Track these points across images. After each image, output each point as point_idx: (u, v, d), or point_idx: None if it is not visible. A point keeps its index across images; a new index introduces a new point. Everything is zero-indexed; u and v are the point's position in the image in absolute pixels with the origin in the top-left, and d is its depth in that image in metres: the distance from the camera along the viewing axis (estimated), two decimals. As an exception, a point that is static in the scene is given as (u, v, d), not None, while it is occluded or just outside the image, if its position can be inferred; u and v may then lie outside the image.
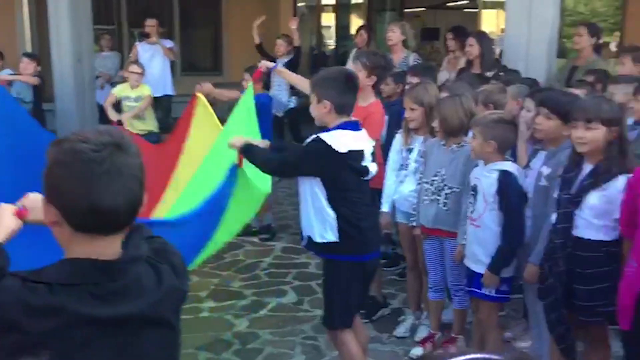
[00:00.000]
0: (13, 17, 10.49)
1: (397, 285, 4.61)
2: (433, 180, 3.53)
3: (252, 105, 3.64)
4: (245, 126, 3.50)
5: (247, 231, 5.23)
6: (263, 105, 4.76)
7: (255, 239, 5.59)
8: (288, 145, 3.29)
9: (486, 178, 3.17)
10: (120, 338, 1.32)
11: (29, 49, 10.11)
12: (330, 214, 2.87)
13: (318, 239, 2.92)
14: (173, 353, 1.48)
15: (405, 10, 12.05)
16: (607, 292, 2.68)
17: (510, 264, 3.17)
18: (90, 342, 1.29)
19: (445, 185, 3.47)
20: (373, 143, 3.07)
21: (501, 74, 4.86)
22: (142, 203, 1.34)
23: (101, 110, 7.40)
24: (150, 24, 8.11)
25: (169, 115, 8.45)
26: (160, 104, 8.28)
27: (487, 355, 0.90)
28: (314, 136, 2.86)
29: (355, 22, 10.12)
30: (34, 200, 1.55)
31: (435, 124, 3.53)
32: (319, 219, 2.90)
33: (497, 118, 3.22)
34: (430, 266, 3.70)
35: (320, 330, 3.99)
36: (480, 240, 3.20)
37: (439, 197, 3.49)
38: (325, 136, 2.81)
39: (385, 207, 3.93)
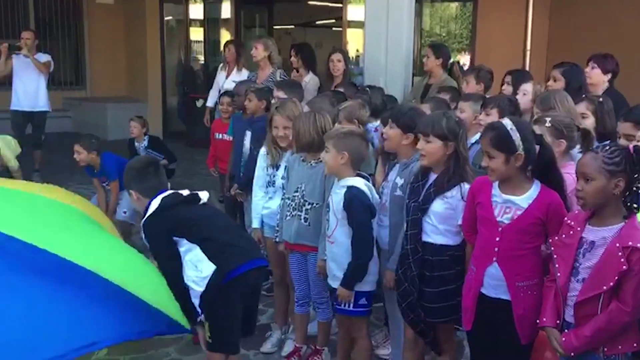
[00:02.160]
0: None
1: (264, 300, 4.59)
2: (294, 196, 3.57)
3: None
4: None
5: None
6: None
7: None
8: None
9: (336, 195, 3.26)
10: None
11: None
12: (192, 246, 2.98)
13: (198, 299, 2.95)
14: None
15: (275, 27, 12.19)
16: (452, 294, 2.86)
17: (364, 278, 3.23)
18: None
19: (305, 200, 3.53)
20: None
21: (367, 89, 5.05)
22: None
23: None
24: (25, 36, 7.58)
25: (42, 131, 8.01)
26: (34, 120, 7.84)
27: None
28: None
29: (225, 37, 10.07)
30: None
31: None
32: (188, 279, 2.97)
33: (348, 131, 3.34)
34: (295, 280, 3.74)
35: (185, 352, 3.89)
36: (334, 255, 3.29)
37: (300, 213, 3.54)
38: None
39: (255, 224, 3.96)
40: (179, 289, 2.89)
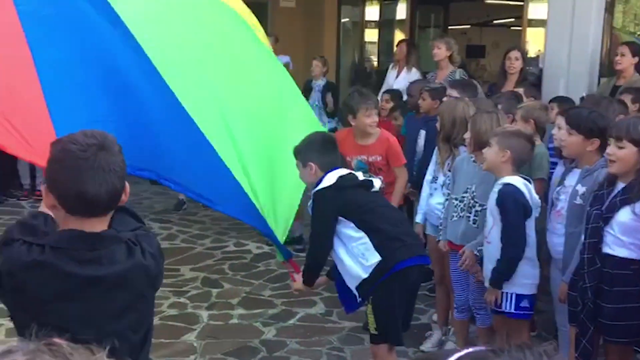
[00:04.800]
0: None
1: (427, 300, 4.58)
2: (463, 197, 3.52)
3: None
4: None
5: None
6: None
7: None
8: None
9: (493, 193, 3.17)
10: (91, 294, 1.67)
11: None
12: (360, 235, 3.01)
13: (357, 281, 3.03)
14: (141, 318, 1.80)
15: (450, 27, 12.02)
16: (634, 312, 2.63)
17: (520, 280, 3.12)
18: (67, 294, 1.64)
19: (476, 202, 3.46)
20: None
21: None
22: (121, 193, 1.68)
23: None
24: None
25: None
26: None
27: (478, 349, 0.89)
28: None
29: (399, 38, 10.14)
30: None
31: (467, 137, 3.53)
32: (353, 260, 3.03)
33: (516, 130, 3.23)
34: (455, 284, 3.69)
35: (346, 342, 4.01)
36: (490, 255, 3.21)
37: (469, 214, 3.48)
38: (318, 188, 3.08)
39: (418, 218, 3.99)
40: (319, 263, 3.15)
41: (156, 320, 3.05)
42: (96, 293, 1.66)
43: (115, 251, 1.68)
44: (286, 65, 8.00)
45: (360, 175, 3.19)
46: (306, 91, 5.94)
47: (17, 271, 1.62)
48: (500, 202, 3.09)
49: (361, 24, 11.19)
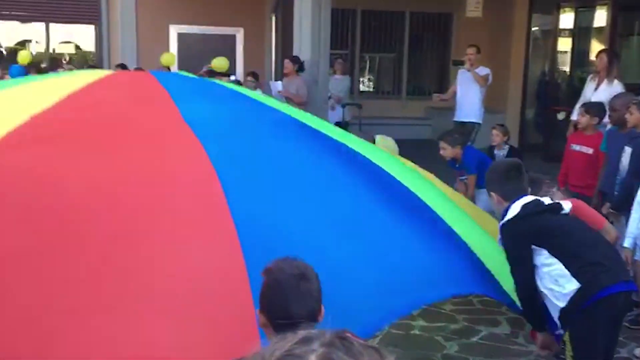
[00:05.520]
0: (262, 45, 11.77)
1: (627, 332, 4.18)
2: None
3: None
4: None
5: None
6: None
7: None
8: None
9: None
10: None
11: (273, 72, 11.26)
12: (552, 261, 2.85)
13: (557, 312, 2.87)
14: None
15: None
16: None
17: None
18: None
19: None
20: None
21: None
22: (318, 314, 1.89)
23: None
24: (469, 52, 7.80)
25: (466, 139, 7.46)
26: (463, 130, 7.63)
27: None
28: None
29: (596, 47, 9.43)
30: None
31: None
32: (547, 289, 2.89)
33: None
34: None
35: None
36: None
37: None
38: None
39: (626, 243, 3.69)
40: (528, 295, 2.88)
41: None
42: None
43: None
44: (486, 77, 7.82)
45: (547, 200, 3.03)
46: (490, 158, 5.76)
47: None
48: None
49: (553, 33, 10.61)
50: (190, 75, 3.90)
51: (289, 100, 7.71)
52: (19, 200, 2.20)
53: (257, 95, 3.81)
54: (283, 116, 3.13)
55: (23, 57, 9.14)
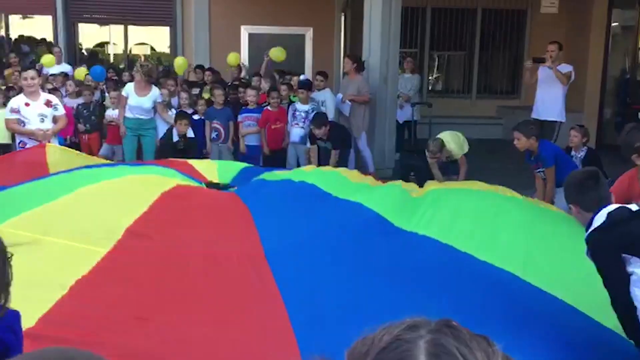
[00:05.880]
0: (331, 44, 11.82)
1: None
2: None
3: None
4: None
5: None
6: None
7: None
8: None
9: None
10: None
11: (342, 71, 11.29)
12: None
13: None
14: None
15: None
16: None
17: None
18: None
19: None
20: None
21: None
22: None
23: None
24: (550, 48, 7.49)
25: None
26: (546, 128, 7.40)
27: None
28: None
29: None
30: None
31: None
32: None
33: None
34: None
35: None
36: None
37: None
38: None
39: None
40: (624, 308, 2.72)
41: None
42: None
43: None
44: (568, 74, 7.52)
45: (634, 207, 2.88)
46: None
47: None
48: None
49: (636, 29, 10.13)
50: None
51: (353, 101, 7.68)
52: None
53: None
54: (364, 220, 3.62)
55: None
